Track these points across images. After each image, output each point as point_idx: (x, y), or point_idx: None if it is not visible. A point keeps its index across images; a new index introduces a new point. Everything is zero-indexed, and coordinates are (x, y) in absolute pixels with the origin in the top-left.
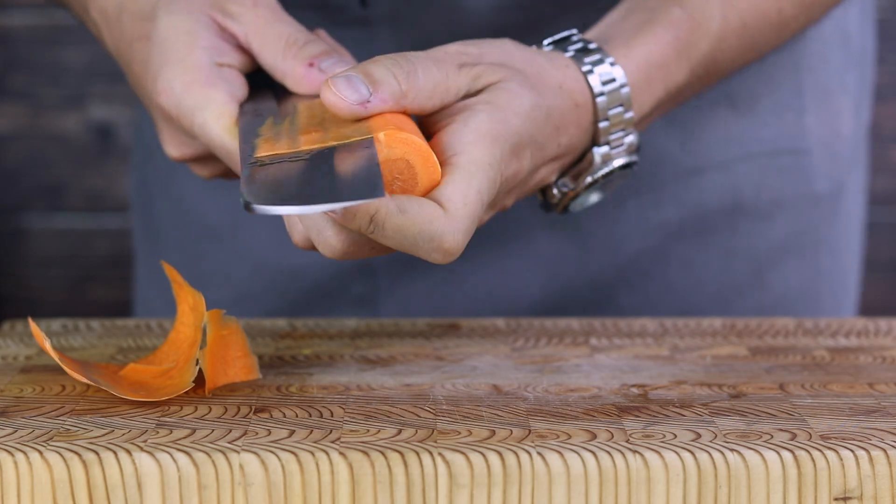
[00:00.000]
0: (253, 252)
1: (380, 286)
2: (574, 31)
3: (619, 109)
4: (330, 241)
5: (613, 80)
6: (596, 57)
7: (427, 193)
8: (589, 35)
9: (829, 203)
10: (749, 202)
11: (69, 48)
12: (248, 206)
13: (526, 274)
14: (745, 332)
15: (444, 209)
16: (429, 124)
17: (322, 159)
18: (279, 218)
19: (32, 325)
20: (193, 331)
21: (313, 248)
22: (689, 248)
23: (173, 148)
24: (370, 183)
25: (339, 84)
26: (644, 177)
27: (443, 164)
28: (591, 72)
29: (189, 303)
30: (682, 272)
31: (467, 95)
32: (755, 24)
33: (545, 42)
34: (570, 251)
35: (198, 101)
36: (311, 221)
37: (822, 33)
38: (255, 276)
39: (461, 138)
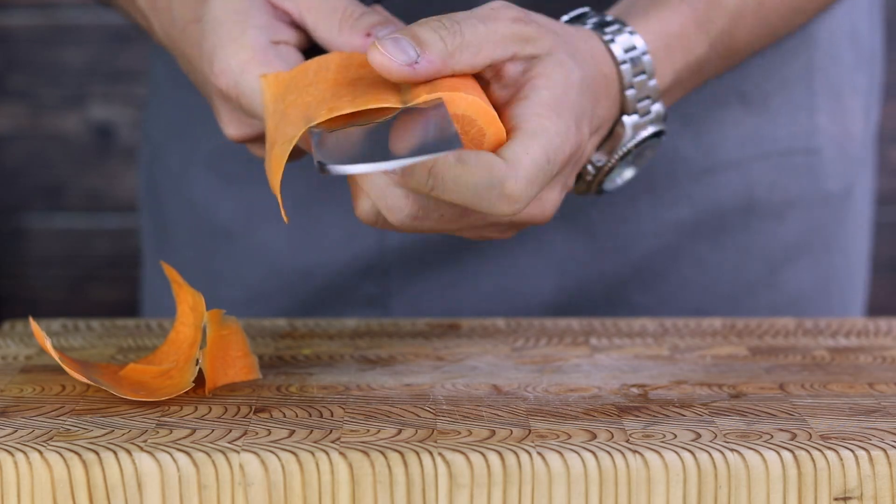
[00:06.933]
0: (265, 252)
1: (391, 286)
2: (587, 9)
3: (643, 77)
4: (397, 204)
5: (634, 47)
6: (615, 27)
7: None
8: (605, 13)
9: (839, 203)
10: (762, 201)
11: (69, 48)
12: (322, 168)
13: (538, 273)
14: (745, 332)
15: (504, 160)
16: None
17: (391, 121)
18: (293, 217)
19: (33, 324)
20: (193, 331)
21: (379, 221)
22: (702, 247)
23: (233, 129)
24: (445, 137)
25: (387, 45)
26: (658, 175)
27: (507, 133)
28: (612, 41)
29: (189, 303)
30: (696, 271)
31: (515, 59)
32: (771, 4)
33: (562, 19)
34: (583, 250)
35: (256, 80)
36: (377, 191)
37: (833, 33)
38: (267, 276)
39: (524, 111)
